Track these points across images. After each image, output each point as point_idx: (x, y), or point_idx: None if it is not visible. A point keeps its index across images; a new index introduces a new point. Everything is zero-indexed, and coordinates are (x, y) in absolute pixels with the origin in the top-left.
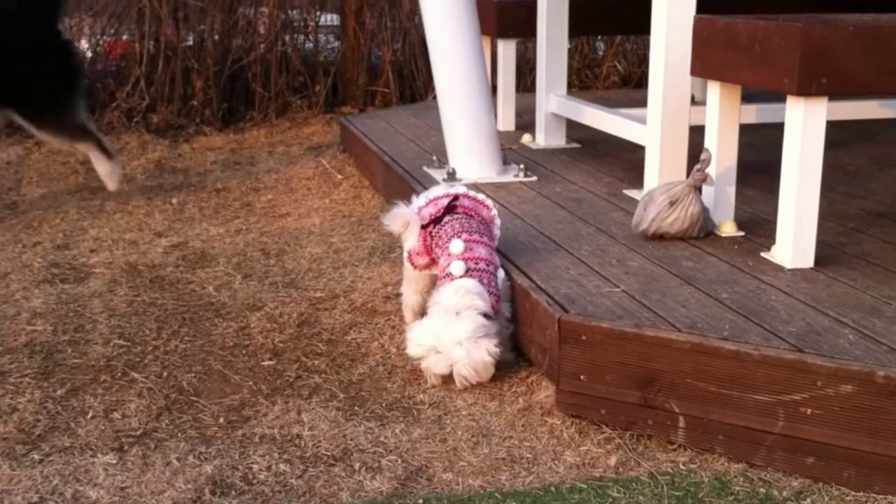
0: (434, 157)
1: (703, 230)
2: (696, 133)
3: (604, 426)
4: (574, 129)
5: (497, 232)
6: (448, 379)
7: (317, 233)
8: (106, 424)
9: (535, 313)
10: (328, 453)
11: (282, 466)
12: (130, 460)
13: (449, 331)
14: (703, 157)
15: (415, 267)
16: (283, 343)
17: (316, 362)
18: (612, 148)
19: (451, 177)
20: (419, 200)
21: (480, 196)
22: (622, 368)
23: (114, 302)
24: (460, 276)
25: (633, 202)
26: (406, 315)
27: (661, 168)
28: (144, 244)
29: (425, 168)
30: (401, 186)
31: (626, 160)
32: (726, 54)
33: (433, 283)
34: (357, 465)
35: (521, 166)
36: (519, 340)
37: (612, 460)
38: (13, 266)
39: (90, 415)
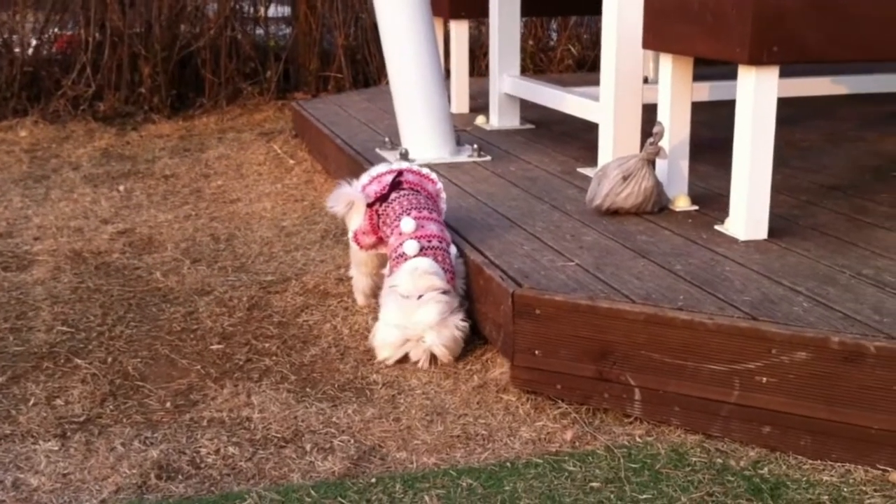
0: (387, 139)
1: (657, 205)
2: (650, 112)
3: (559, 401)
4: (528, 110)
5: (443, 206)
6: (405, 359)
7: (268, 217)
8: (48, 411)
9: (489, 289)
10: (279, 435)
11: (230, 449)
12: (73, 447)
13: (415, 320)
14: (655, 130)
15: (361, 247)
16: (232, 327)
17: (266, 345)
18: (566, 129)
19: (404, 157)
20: (363, 178)
21: (425, 170)
22: (577, 342)
23: (57, 289)
24: (414, 256)
25: (588, 180)
26: (358, 298)
27: (615, 145)
28: (90, 231)
29: (378, 150)
30: (353, 169)
31: (580, 140)
32: (679, 25)
33: (382, 262)
34: (308, 447)
35: (475, 146)
36: (473, 318)
37: (568, 435)
38: None
39: (32, 402)
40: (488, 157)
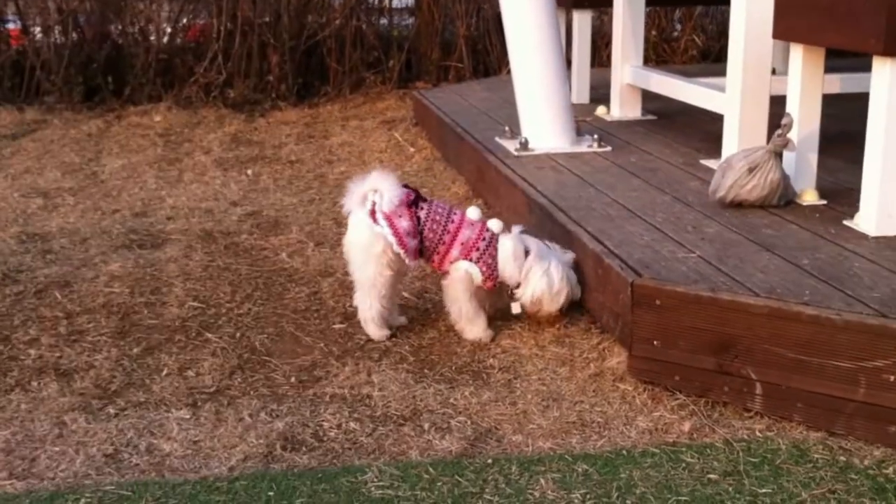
0: (507, 128)
1: (783, 198)
2: (776, 105)
3: (677, 392)
4: (650, 101)
5: None
6: (518, 342)
7: None
8: (180, 381)
9: (608, 278)
10: (398, 413)
11: (352, 425)
12: (204, 416)
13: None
14: (784, 121)
15: (407, 252)
16: (353, 308)
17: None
18: (688, 119)
19: (524, 146)
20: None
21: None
22: (697, 334)
23: (189, 266)
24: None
25: (710, 172)
26: (371, 330)
27: (741, 137)
28: (220, 213)
29: (497, 139)
30: (473, 157)
31: (703, 131)
32: (809, 15)
33: (399, 278)
34: (426, 425)
35: (595, 137)
36: (590, 307)
37: (686, 426)
38: (93, 232)
39: (165, 372)
40: (609, 148)
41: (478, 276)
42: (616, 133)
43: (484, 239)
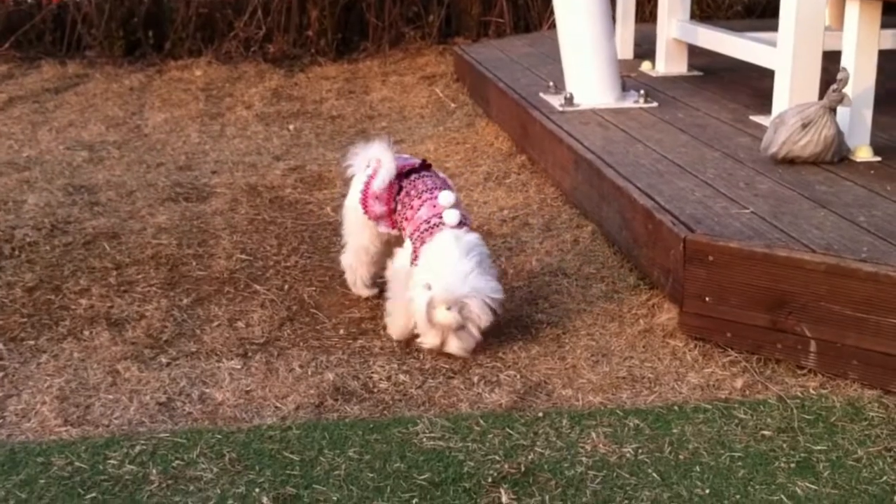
0: (551, 84)
1: (837, 154)
2: (828, 60)
3: (729, 349)
4: (695, 56)
5: None
6: (566, 298)
7: (431, 158)
8: (230, 332)
9: (659, 234)
10: (447, 366)
11: (401, 377)
12: (255, 366)
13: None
14: (839, 76)
15: (368, 213)
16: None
17: None
18: (736, 76)
19: (569, 102)
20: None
21: (450, 182)
22: (750, 290)
23: (235, 220)
24: (454, 226)
25: (760, 128)
26: (360, 290)
27: (792, 93)
28: (263, 167)
29: (541, 94)
30: (516, 112)
31: (751, 87)
32: None
33: (388, 249)
34: (476, 379)
35: (641, 92)
36: (639, 263)
37: (739, 383)
38: (139, 184)
39: (215, 323)
40: (655, 104)
41: (408, 257)
42: (662, 89)
43: (428, 222)
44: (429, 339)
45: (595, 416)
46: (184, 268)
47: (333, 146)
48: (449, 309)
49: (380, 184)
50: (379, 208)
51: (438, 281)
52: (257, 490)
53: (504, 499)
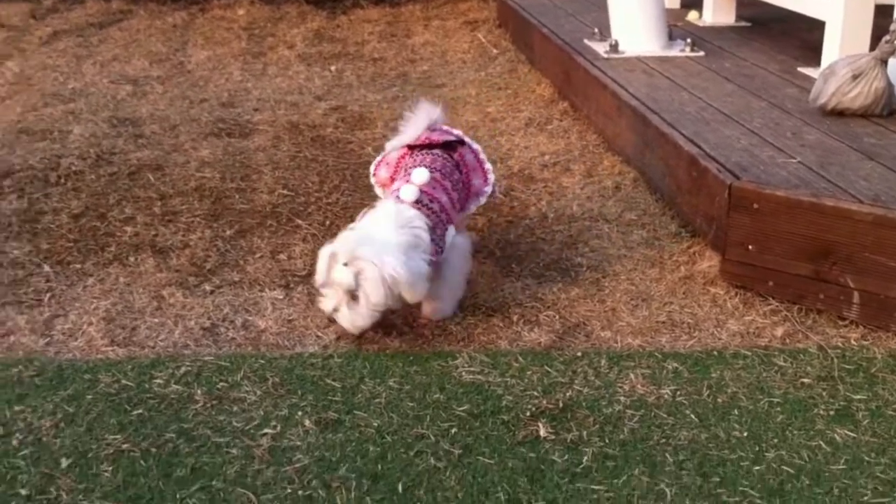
0: (596, 30)
1: (887, 107)
2: (880, 14)
3: (770, 298)
4: (744, 7)
5: (471, 208)
6: (606, 242)
7: (472, 103)
8: (272, 264)
9: (704, 181)
10: (486, 304)
11: None
12: (296, 297)
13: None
14: (893, 27)
15: (375, 175)
16: None
17: (472, 222)
18: (784, 27)
19: (614, 49)
20: (425, 119)
21: (488, 166)
22: (795, 240)
23: (277, 156)
24: (408, 202)
25: (808, 80)
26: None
27: (843, 44)
28: (305, 106)
29: (586, 41)
30: (560, 59)
31: (800, 39)
32: None
33: None
34: (515, 318)
35: (688, 41)
36: (682, 210)
37: (779, 331)
38: (182, 119)
39: (258, 254)
40: (701, 53)
41: None
42: (708, 38)
43: (393, 190)
44: (325, 301)
45: (633, 358)
46: (227, 200)
47: (374, 88)
48: (346, 266)
49: (390, 149)
50: (384, 174)
51: (347, 238)
52: (300, 413)
53: (542, 432)
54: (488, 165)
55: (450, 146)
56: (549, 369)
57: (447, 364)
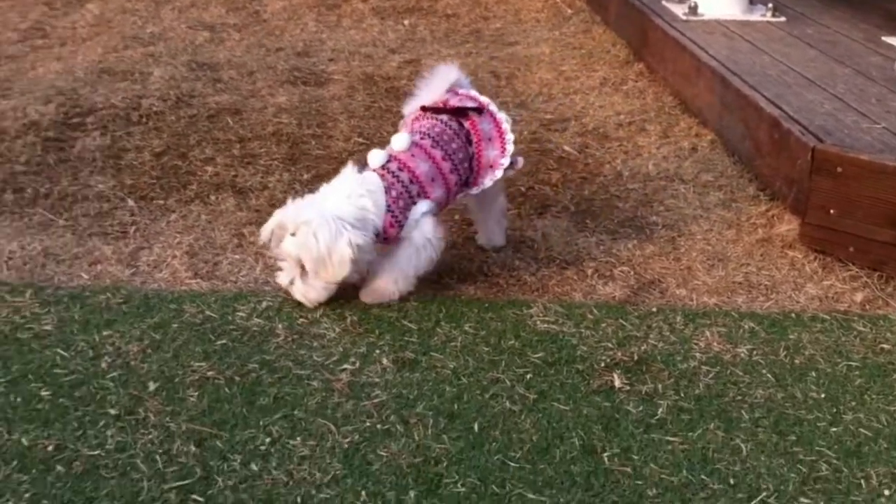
0: None
1: None
2: None
3: (850, 264)
4: None
5: (486, 182)
6: (682, 202)
7: (546, 61)
8: None
9: (785, 144)
10: (561, 257)
11: (516, 262)
12: None
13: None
14: None
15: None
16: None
17: (547, 176)
18: None
19: (693, 11)
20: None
21: (510, 136)
22: (878, 205)
23: (352, 105)
24: (372, 168)
25: (894, 49)
26: None
27: None
28: (379, 58)
29: (664, 2)
30: (637, 19)
31: (884, 9)
32: None
33: None
34: (589, 271)
35: (769, 6)
36: (761, 173)
37: (858, 297)
38: (258, 66)
39: None
40: (782, 18)
41: None
42: (790, 4)
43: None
44: (282, 274)
45: (709, 316)
46: (303, 146)
47: (448, 44)
48: (294, 236)
49: (408, 110)
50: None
51: (297, 206)
52: (377, 352)
53: (617, 383)
54: (510, 136)
55: (461, 113)
56: (624, 323)
57: (522, 313)
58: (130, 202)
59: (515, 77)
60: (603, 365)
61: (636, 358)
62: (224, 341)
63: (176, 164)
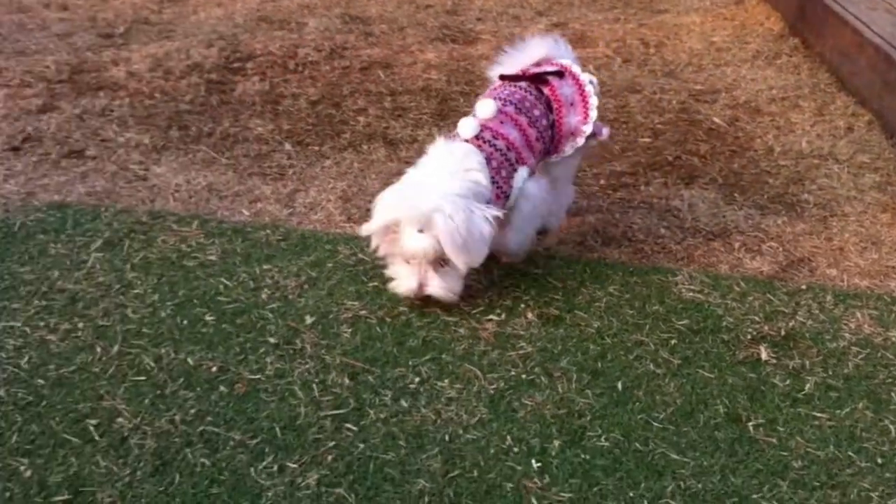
0: None
1: None
2: None
3: None
4: None
5: (567, 150)
6: (836, 182)
7: (697, 31)
8: None
9: None
10: (707, 229)
11: (662, 230)
12: None
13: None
14: None
15: None
16: (662, 125)
17: (695, 147)
18: None
19: None
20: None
21: (593, 101)
22: None
23: None
24: (464, 140)
25: None
26: None
27: None
28: (526, 20)
29: None
30: None
31: None
32: None
33: None
34: (736, 245)
35: None
36: None
37: None
38: (409, 22)
39: None
40: None
41: None
42: None
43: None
44: (403, 283)
45: (861, 298)
46: (452, 102)
47: (595, 8)
48: (421, 231)
49: (494, 74)
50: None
51: (405, 196)
52: (522, 306)
53: (764, 356)
54: (593, 100)
55: (540, 80)
56: (772, 297)
57: (667, 279)
58: (287, 146)
59: (664, 45)
60: (749, 337)
61: (783, 333)
62: (375, 283)
63: (330, 112)
